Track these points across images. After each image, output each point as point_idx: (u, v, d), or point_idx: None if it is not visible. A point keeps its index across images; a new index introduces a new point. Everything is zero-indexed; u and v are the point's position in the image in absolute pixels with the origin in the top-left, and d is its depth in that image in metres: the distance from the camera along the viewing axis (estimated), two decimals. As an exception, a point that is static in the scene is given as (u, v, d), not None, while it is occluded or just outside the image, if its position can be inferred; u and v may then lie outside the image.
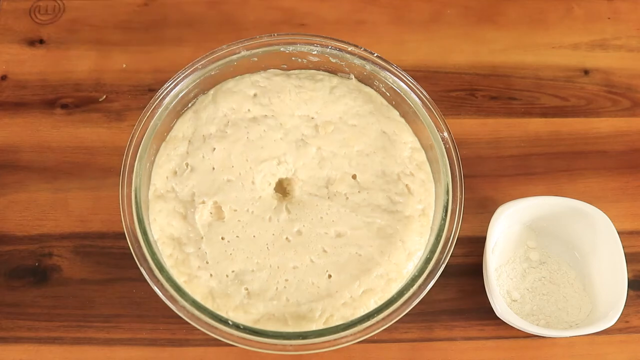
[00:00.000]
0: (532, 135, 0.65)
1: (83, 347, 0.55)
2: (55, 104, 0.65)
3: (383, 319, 0.48)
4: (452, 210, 0.51)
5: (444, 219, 0.51)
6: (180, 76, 0.55)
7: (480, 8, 0.72)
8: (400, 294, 0.49)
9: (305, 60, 0.58)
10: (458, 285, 0.58)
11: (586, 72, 0.69)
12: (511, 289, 0.56)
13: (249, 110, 0.56)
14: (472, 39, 0.70)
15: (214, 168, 0.54)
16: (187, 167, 0.54)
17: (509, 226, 0.58)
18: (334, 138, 0.56)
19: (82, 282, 0.58)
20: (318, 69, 0.59)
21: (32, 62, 0.67)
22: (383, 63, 0.56)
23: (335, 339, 0.47)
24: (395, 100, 0.57)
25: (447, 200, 0.52)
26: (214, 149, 0.55)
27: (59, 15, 0.70)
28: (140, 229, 0.50)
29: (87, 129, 0.64)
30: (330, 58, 0.57)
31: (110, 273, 0.58)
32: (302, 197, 0.54)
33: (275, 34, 0.57)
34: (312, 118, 0.56)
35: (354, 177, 0.55)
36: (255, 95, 0.57)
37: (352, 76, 0.58)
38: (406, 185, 0.54)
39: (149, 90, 0.66)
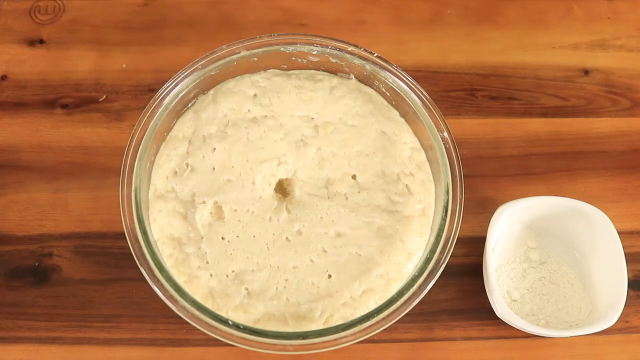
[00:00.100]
0: (532, 135, 0.65)
1: (83, 347, 0.55)
2: (55, 104, 0.65)
3: (383, 319, 0.48)
4: (452, 210, 0.51)
5: (444, 219, 0.51)
6: (180, 76, 0.55)
7: (480, 8, 0.72)
8: (400, 294, 0.49)
9: (305, 60, 0.58)
10: (458, 285, 0.58)
11: (586, 72, 0.69)
12: (511, 289, 0.56)
13: (249, 110, 0.56)
14: (472, 39, 0.70)
15: (214, 168, 0.54)
16: (187, 167, 0.54)
17: (509, 226, 0.58)
18: (334, 138, 0.56)
19: (82, 282, 0.58)
20: (318, 69, 0.59)
21: (32, 62, 0.67)
22: (383, 63, 0.56)
23: (335, 339, 0.47)
24: (395, 100, 0.57)
25: (447, 200, 0.52)
26: (214, 149, 0.55)
27: (59, 15, 0.70)
28: (140, 229, 0.50)
29: (87, 129, 0.64)
30: (330, 58, 0.57)
31: (110, 273, 0.58)
32: (302, 197, 0.54)
33: (275, 34, 0.57)
34: (312, 118, 0.56)
35: (353, 177, 0.55)
36: (255, 95, 0.57)
37: (352, 76, 0.58)
38: (406, 185, 0.54)
39: (149, 90, 0.66)
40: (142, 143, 0.53)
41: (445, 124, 0.54)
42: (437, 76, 0.68)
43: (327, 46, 0.57)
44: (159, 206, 0.53)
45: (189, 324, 0.48)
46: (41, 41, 0.69)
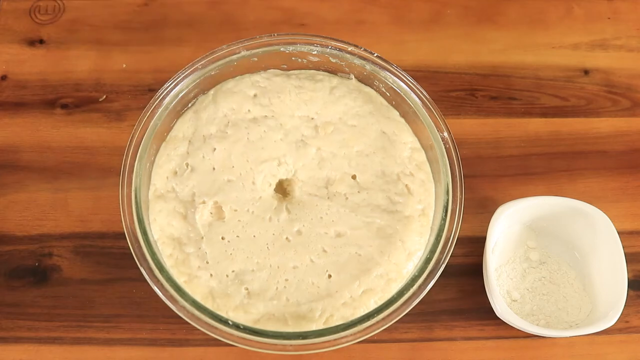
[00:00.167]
0: (532, 135, 0.65)
1: (83, 347, 0.55)
2: (55, 104, 0.65)
3: (383, 319, 0.48)
4: (452, 210, 0.51)
5: (444, 219, 0.51)
6: (180, 76, 0.55)
7: (480, 8, 0.72)
8: (400, 294, 0.49)
9: (305, 60, 0.58)
10: (458, 285, 0.58)
11: (586, 72, 0.69)
12: (511, 289, 0.56)
13: (249, 110, 0.56)
14: (472, 39, 0.70)
15: (214, 168, 0.54)
16: (187, 167, 0.54)
17: (509, 226, 0.58)
18: (334, 138, 0.56)
19: (82, 282, 0.58)
20: (318, 69, 0.59)
21: (32, 62, 0.67)
22: (383, 63, 0.56)
23: (335, 339, 0.47)
24: (395, 100, 0.57)
25: (447, 200, 0.52)
26: (215, 149, 0.55)
27: (59, 15, 0.70)
28: (140, 229, 0.50)
29: (87, 129, 0.64)
30: (330, 58, 0.57)
31: (110, 273, 0.58)
32: (302, 197, 0.54)
33: (275, 34, 0.57)
34: (312, 119, 0.56)
35: (353, 177, 0.55)
36: (255, 95, 0.57)
37: (352, 76, 0.58)
38: (406, 185, 0.54)
39: (149, 90, 0.66)
40: (142, 143, 0.53)
41: (445, 124, 0.54)
42: (437, 76, 0.68)
43: (327, 46, 0.57)
44: (159, 206, 0.53)
45: (189, 324, 0.48)
46: (41, 41, 0.69)
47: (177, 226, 0.52)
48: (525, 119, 0.66)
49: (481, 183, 0.62)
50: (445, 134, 0.54)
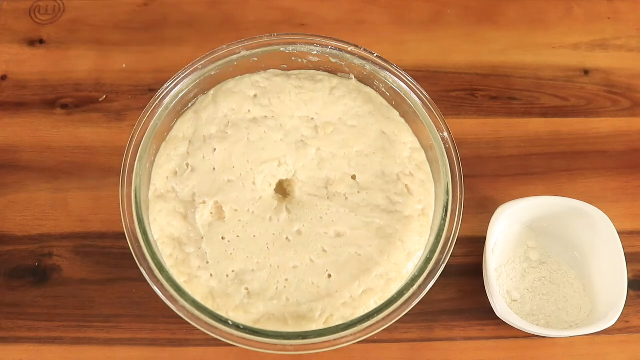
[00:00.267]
0: (532, 135, 0.65)
1: (83, 347, 0.55)
2: (55, 104, 0.65)
3: (383, 319, 0.48)
4: (452, 210, 0.51)
5: (444, 219, 0.51)
6: (180, 76, 0.55)
7: (480, 8, 0.72)
8: (400, 294, 0.49)
9: (305, 61, 0.58)
10: (458, 285, 0.58)
11: (586, 72, 0.69)
12: (511, 289, 0.56)
13: (249, 111, 0.56)
14: (472, 39, 0.70)
15: (214, 168, 0.54)
16: (187, 167, 0.54)
17: (509, 226, 0.58)
18: (334, 139, 0.56)
19: (82, 282, 0.58)
20: (318, 69, 0.59)
21: (32, 62, 0.68)
22: (383, 63, 0.56)
23: (335, 339, 0.47)
24: (395, 100, 0.57)
25: (447, 200, 0.52)
26: (215, 149, 0.55)
27: (59, 15, 0.70)
28: (140, 229, 0.50)
29: (87, 129, 0.64)
30: (330, 58, 0.57)
31: (110, 273, 0.58)
32: (302, 197, 0.54)
33: (275, 34, 0.57)
34: (312, 119, 0.56)
35: (353, 177, 0.55)
36: (255, 96, 0.57)
37: (352, 76, 0.58)
38: (406, 185, 0.54)
39: (149, 90, 0.66)
40: (142, 143, 0.53)
41: (445, 124, 0.54)
42: (437, 76, 0.68)
43: (327, 46, 0.57)
44: (159, 206, 0.53)
45: (189, 324, 0.48)
46: (41, 41, 0.69)
47: (177, 226, 0.52)
48: (525, 119, 0.66)
49: (481, 183, 0.62)
50: (445, 134, 0.54)
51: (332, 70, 0.59)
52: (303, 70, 0.59)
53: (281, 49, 0.57)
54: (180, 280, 0.50)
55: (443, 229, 0.51)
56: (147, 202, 0.53)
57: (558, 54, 0.70)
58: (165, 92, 0.55)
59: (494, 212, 0.55)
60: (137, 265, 0.49)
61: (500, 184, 0.63)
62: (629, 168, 0.64)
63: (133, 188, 0.51)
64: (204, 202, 0.53)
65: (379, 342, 0.56)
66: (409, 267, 0.52)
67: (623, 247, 0.53)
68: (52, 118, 0.64)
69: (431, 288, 0.49)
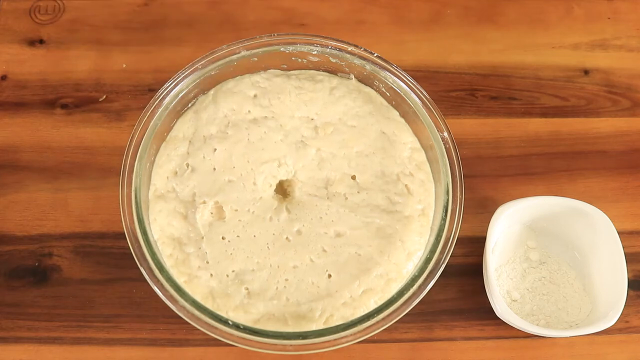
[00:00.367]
0: (532, 135, 0.65)
1: (83, 347, 0.55)
2: (55, 104, 0.65)
3: (383, 319, 0.48)
4: (452, 210, 0.51)
5: (444, 219, 0.51)
6: (180, 76, 0.55)
7: (480, 8, 0.72)
8: (400, 294, 0.49)
9: (305, 61, 0.58)
10: (458, 285, 0.58)
11: (586, 72, 0.69)
12: (511, 289, 0.56)
13: (249, 111, 0.56)
14: (472, 39, 0.70)
15: (215, 169, 0.54)
16: (187, 167, 0.54)
17: (509, 226, 0.58)
18: (334, 139, 0.56)
19: (82, 282, 0.58)
20: (318, 69, 0.59)
21: (32, 62, 0.68)
22: (383, 63, 0.56)
23: (335, 339, 0.47)
24: (395, 100, 0.57)
25: (447, 200, 0.52)
26: (215, 149, 0.55)
27: (59, 15, 0.70)
28: (140, 229, 0.50)
29: (87, 129, 0.64)
30: (330, 58, 0.57)
31: (110, 273, 0.58)
32: (301, 197, 0.54)
33: (275, 34, 0.57)
34: (312, 119, 0.56)
35: (353, 177, 0.55)
36: (255, 96, 0.57)
37: (352, 76, 0.58)
38: (405, 185, 0.54)
39: (149, 90, 0.66)
40: (142, 143, 0.53)
41: (445, 124, 0.54)
42: (437, 76, 0.68)
43: (327, 46, 0.57)
44: (159, 206, 0.53)
45: (189, 324, 0.48)
46: (41, 41, 0.69)
47: (177, 226, 0.52)
48: (525, 119, 0.66)
49: (481, 183, 0.62)
50: (445, 134, 0.54)
51: (332, 71, 0.59)
52: (303, 71, 0.59)
53: (281, 49, 0.57)
54: (180, 280, 0.50)
55: (443, 229, 0.51)
56: (147, 202, 0.53)
57: (558, 54, 0.70)
58: (165, 92, 0.55)
59: (494, 212, 0.55)
60: (137, 265, 0.49)
61: (500, 184, 0.63)
62: (629, 168, 0.64)
63: (133, 188, 0.51)
64: (204, 202, 0.53)
65: (379, 342, 0.56)
66: (409, 267, 0.52)
67: (623, 247, 0.53)
68: (52, 118, 0.64)
69: (431, 288, 0.49)
